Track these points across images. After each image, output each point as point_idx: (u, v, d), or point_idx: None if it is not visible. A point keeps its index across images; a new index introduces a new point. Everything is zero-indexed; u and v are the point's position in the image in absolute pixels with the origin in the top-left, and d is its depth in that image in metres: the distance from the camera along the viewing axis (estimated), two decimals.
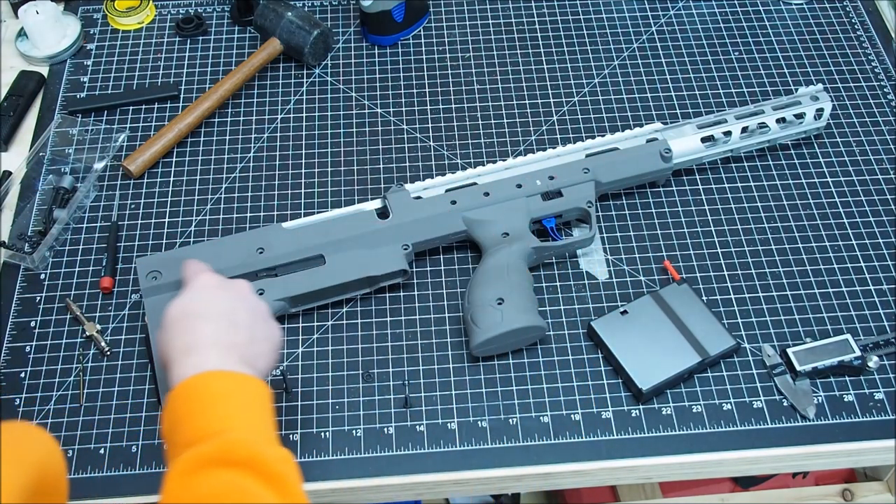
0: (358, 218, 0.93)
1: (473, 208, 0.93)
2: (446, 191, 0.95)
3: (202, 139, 1.07)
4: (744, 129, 1.00)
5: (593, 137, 1.01)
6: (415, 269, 0.95)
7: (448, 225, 0.93)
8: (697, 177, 1.03)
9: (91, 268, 0.96)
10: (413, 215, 0.93)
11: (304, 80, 1.13)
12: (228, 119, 1.09)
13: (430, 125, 1.08)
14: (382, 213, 0.94)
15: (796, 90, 1.05)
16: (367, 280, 0.91)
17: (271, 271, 0.90)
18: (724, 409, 0.86)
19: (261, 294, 0.87)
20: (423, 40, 1.18)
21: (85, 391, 0.87)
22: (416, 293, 0.94)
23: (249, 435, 0.64)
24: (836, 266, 0.95)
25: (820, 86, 1.03)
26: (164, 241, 0.98)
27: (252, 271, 0.89)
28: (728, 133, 1.00)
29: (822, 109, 1.02)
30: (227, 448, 0.61)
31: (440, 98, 1.11)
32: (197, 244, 0.93)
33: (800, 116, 1.01)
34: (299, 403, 0.86)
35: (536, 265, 0.94)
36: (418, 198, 0.94)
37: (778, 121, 1.01)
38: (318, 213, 0.95)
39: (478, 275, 0.89)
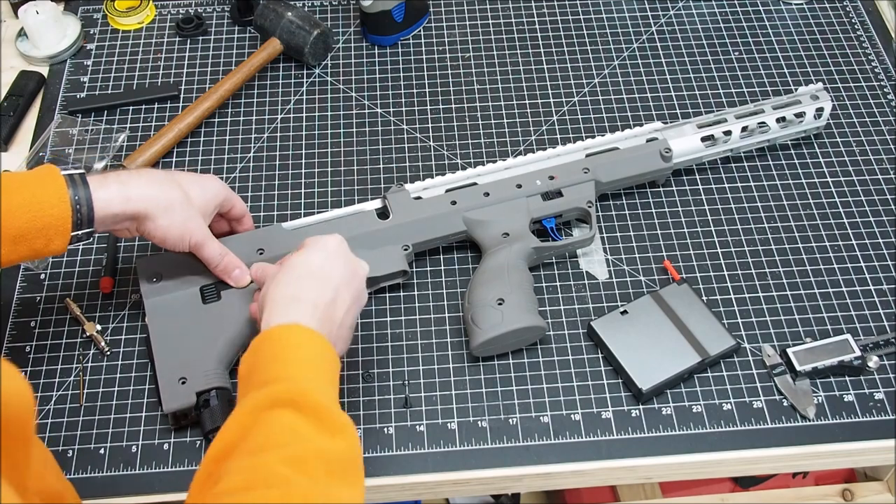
0: (358, 218, 0.93)
1: (473, 208, 0.93)
2: (446, 191, 0.95)
3: (202, 139, 1.07)
4: (744, 129, 1.00)
5: (593, 137, 1.01)
6: (415, 269, 0.95)
7: (448, 225, 0.93)
8: (697, 177, 1.03)
9: (91, 268, 0.96)
10: (413, 215, 0.93)
11: (304, 80, 1.13)
12: (228, 119, 1.09)
13: (430, 125, 1.08)
14: (382, 214, 0.94)
15: (796, 90, 1.05)
16: (367, 280, 0.91)
17: None
18: (724, 409, 0.86)
19: None
20: (423, 40, 1.18)
21: (85, 391, 0.87)
22: (416, 293, 0.94)
23: (323, 397, 0.67)
24: (836, 266, 0.95)
25: (820, 85, 1.03)
26: None
27: None
28: (728, 132, 1.00)
29: (822, 108, 1.02)
30: (303, 396, 0.64)
31: (440, 98, 1.11)
32: None
33: (800, 115, 1.01)
34: None
35: (536, 265, 0.94)
36: (418, 198, 0.94)
37: (778, 120, 1.01)
38: (318, 213, 0.95)
39: (478, 275, 0.89)
